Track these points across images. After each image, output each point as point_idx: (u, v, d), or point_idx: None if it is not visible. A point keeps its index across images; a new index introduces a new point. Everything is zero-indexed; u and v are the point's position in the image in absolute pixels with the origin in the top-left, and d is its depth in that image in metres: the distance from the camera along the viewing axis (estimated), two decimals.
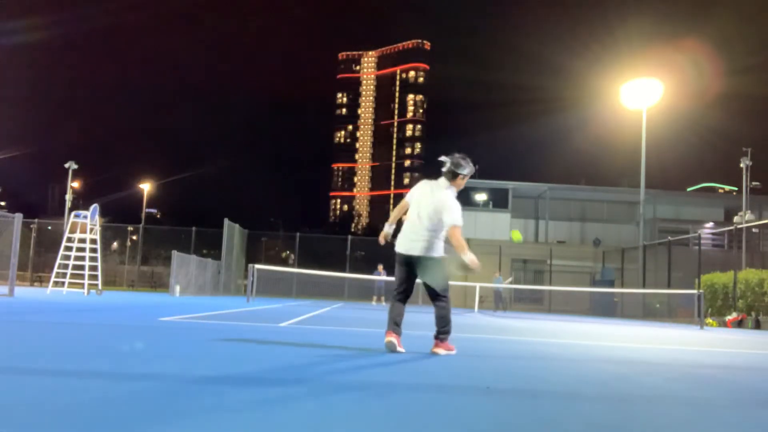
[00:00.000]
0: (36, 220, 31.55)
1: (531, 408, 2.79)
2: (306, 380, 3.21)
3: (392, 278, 5.34)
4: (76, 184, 39.17)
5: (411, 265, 4.86)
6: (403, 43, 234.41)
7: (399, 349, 4.74)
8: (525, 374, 4.13)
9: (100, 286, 17.11)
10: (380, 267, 24.10)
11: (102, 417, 2.08)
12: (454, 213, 4.69)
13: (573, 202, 37.98)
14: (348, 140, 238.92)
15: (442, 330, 4.86)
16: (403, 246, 4.87)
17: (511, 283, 27.17)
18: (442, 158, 4.90)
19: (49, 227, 33.71)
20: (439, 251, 4.83)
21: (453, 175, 4.84)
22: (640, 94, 29.57)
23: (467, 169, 4.87)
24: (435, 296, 4.88)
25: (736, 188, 50.85)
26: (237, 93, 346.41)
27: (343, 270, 28.39)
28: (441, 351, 4.84)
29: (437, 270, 4.82)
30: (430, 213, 4.77)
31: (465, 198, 37.20)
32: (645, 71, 30.69)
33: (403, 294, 4.95)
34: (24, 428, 1.89)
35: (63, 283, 16.88)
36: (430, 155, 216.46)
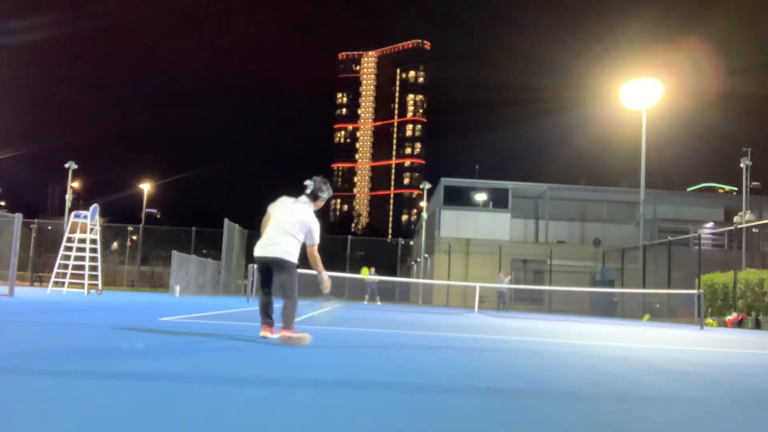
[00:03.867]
0: (36, 220, 31.56)
1: (531, 408, 2.79)
2: (305, 379, 3.22)
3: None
4: (76, 184, 39.18)
5: (270, 269, 5.15)
6: (403, 43, 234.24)
7: (272, 336, 5.13)
8: (525, 374, 4.13)
9: (100, 286, 17.11)
10: (372, 269, 25.83)
11: (99, 416, 2.08)
12: (316, 233, 5.21)
13: (573, 202, 37.98)
14: (348, 140, 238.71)
15: (285, 323, 5.00)
16: (262, 250, 5.17)
17: (510, 282, 27.18)
18: (307, 182, 5.35)
19: (49, 227, 33.69)
20: (293, 257, 5.14)
21: (314, 197, 5.32)
22: (640, 94, 29.55)
23: (327, 192, 5.40)
24: (284, 295, 5.16)
25: (736, 188, 50.86)
26: (237, 93, 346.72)
27: (343, 270, 28.39)
28: (287, 334, 4.95)
29: (290, 273, 5.12)
30: (293, 223, 5.14)
31: (465, 198, 37.26)
32: (645, 71, 30.64)
33: (269, 294, 5.32)
34: (22, 428, 1.89)
35: (63, 283, 16.88)
36: (430, 155, 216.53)
